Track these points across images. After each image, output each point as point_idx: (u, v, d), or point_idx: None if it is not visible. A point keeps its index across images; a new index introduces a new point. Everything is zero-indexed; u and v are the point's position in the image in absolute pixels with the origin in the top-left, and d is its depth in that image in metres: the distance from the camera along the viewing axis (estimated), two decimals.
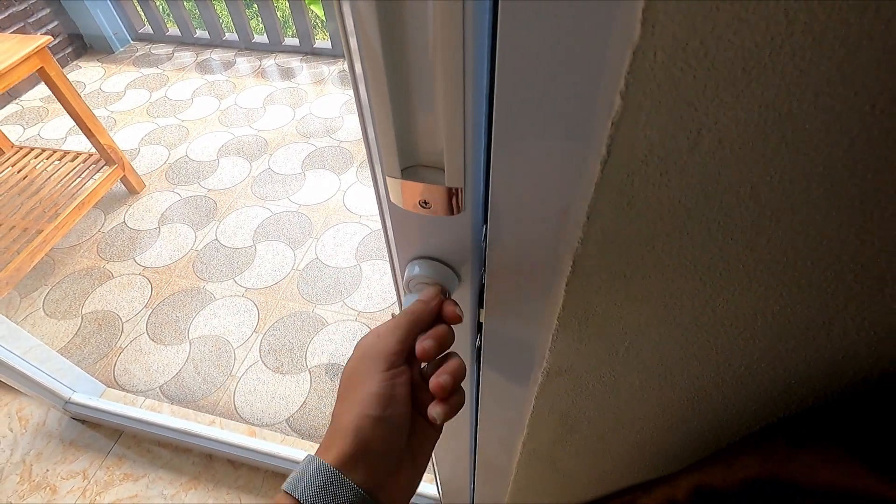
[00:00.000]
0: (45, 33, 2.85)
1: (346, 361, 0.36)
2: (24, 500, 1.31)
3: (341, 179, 2.21)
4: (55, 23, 2.93)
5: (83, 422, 1.45)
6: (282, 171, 2.26)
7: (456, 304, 0.36)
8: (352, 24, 0.23)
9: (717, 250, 0.26)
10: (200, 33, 3.15)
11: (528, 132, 0.24)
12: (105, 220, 2.06)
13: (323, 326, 1.66)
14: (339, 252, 1.90)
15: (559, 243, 0.30)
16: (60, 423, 1.45)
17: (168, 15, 3.28)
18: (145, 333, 1.67)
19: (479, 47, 0.22)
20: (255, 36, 3.09)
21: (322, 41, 3.06)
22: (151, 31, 3.21)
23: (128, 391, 1.52)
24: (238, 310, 1.72)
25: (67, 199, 1.82)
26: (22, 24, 2.74)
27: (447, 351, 0.36)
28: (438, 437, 0.36)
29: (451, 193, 0.29)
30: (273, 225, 2.02)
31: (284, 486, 0.30)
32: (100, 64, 3.07)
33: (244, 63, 3.02)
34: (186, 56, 3.10)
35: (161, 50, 3.17)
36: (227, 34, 3.11)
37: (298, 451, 1.32)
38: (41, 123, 2.61)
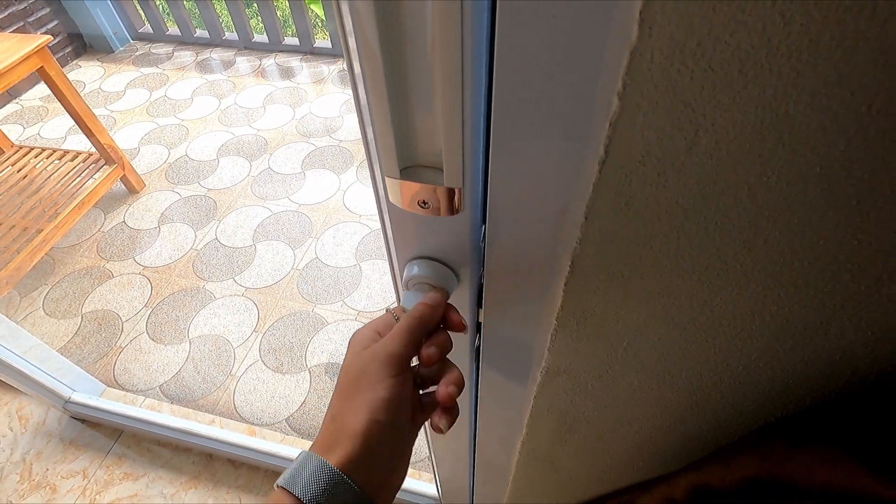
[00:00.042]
0: (45, 32, 2.85)
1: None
2: (24, 499, 1.32)
3: (341, 179, 2.21)
4: (55, 22, 2.93)
5: (83, 421, 1.45)
6: (282, 171, 2.26)
7: (458, 311, 0.37)
8: (350, 24, 0.24)
9: (715, 250, 0.26)
10: (200, 33, 3.15)
11: (527, 133, 0.24)
12: (105, 219, 2.06)
13: (323, 326, 1.66)
14: (338, 251, 1.90)
15: (557, 243, 0.30)
16: (60, 423, 1.45)
17: (168, 14, 3.28)
18: (145, 333, 1.67)
19: (477, 47, 0.22)
20: (255, 35, 3.08)
21: (322, 40, 3.06)
22: (151, 31, 3.21)
23: (128, 390, 1.52)
24: (238, 309, 1.72)
25: (67, 199, 1.82)
26: (21, 23, 2.74)
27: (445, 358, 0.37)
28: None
29: (450, 194, 0.29)
30: (273, 224, 2.02)
31: (281, 482, 0.29)
32: (100, 63, 3.06)
33: (244, 62, 3.02)
34: (186, 55, 3.10)
35: (161, 49, 3.17)
36: (226, 33, 3.11)
37: (298, 450, 1.31)
38: (41, 123, 2.61)
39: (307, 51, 3.05)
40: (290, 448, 1.32)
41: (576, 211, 0.27)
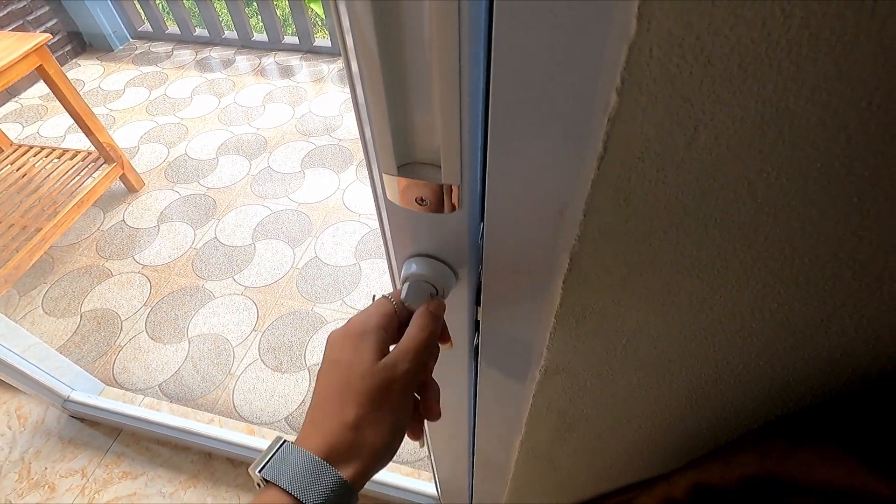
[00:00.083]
0: (44, 31, 2.85)
1: None
2: (23, 498, 1.31)
3: (340, 178, 2.20)
4: (54, 21, 2.92)
5: (82, 420, 1.45)
6: (281, 170, 2.26)
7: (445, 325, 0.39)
8: (348, 20, 0.23)
9: (715, 247, 0.26)
10: (200, 31, 3.15)
11: (525, 129, 0.24)
12: (104, 218, 2.06)
13: (322, 325, 1.66)
14: (338, 250, 1.90)
15: (556, 241, 0.29)
16: (59, 422, 1.45)
17: (167, 13, 3.27)
18: (144, 332, 1.66)
19: (474, 43, 0.22)
20: (255, 34, 3.08)
21: (322, 39, 3.05)
22: (151, 29, 3.20)
23: (127, 389, 1.52)
24: (237, 308, 1.72)
25: (66, 198, 1.82)
26: (21, 21, 2.73)
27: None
28: None
29: (448, 191, 0.29)
30: (272, 223, 2.01)
31: (287, 486, 0.28)
32: (99, 62, 3.06)
33: (244, 61, 3.01)
34: (186, 54, 3.10)
35: (160, 48, 3.17)
36: (226, 32, 3.10)
37: None
38: (40, 121, 2.60)
39: (307, 49, 3.04)
40: None
41: (574, 208, 0.27)
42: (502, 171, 0.27)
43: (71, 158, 1.97)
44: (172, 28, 3.18)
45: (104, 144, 1.91)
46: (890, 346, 0.27)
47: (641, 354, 0.35)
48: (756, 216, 0.23)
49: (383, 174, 0.30)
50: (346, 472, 0.29)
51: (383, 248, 0.41)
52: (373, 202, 0.36)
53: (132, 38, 3.25)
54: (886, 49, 0.16)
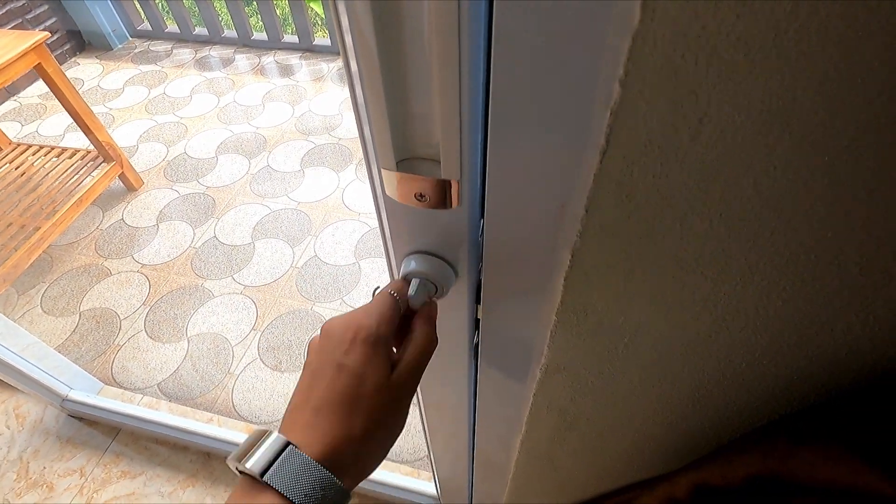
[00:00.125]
0: (43, 30, 2.83)
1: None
2: (21, 498, 1.31)
3: (340, 177, 2.20)
4: (53, 19, 2.92)
5: (80, 419, 1.44)
6: (280, 169, 2.25)
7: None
8: (345, 11, 0.23)
9: (719, 243, 0.25)
10: (199, 30, 3.14)
11: (526, 122, 0.24)
12: (103, 217, 2.05)
13: (321, 324, 1.66)
14: (337, 249, 1.89)
15: (558, 237, 0.29)
16: (58, 421, 1.44)
17: (167, 12, 3.27)
18: (143, 331, 1.66)
19: (474, 34, 0.22)
20: (255, 33, 3.07)
21: (321, 38, 3.05)
22: (150, 28, 3.20)
23: (125, 388, 1.52)
24: (236, 307, 1.72)
25: (65, 196, 1.82)
26: (20, 20, 2.73)
27: None
28: None
29: (448, 186, 0.29)
30: (272, 222, 2.01)
31: (288, 493, 0.26)
32: (98, 61, 3.05)
33: (243, 60, 3.01)
34: (185, 53, 3.09)
35: (160, 47, 3.16)
36: (226, 31, 3.10)
37: None
38: (39, 120, 2.60)
39: (306, 48, 3.04)
40: None
41: (576, 203, 0.26)
42: (503, 166, 0.27)
43: (70, 157, 1.96)
44: (172, 27, 3.18)
45: (103, 143, 1.91)
46: None
47: (643, 353, 0.35)
48: (761, 211, 0.23)
49: (382, 170, 0.30)
50: (346, 482, 0.29)
51: (382, 247, 0.41)
52: (372, 200, 0.36)
53: (131, 36, 3.25)
54: None
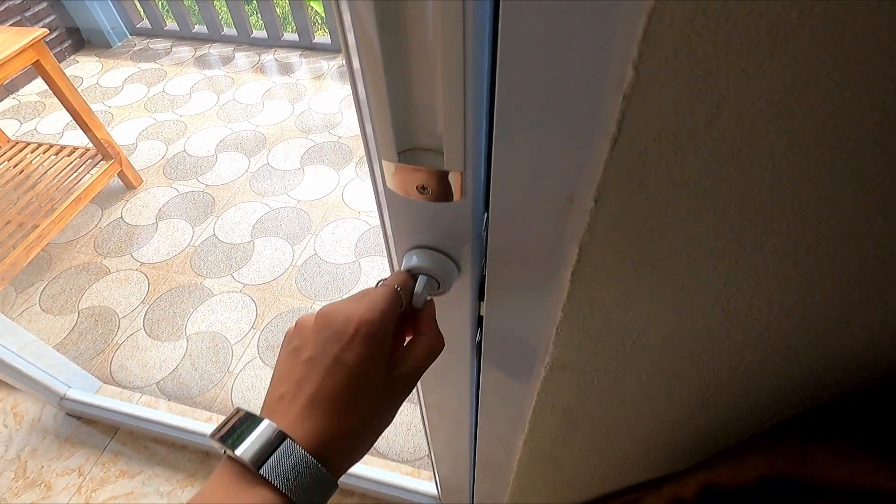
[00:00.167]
0: (42, 27, 2.82)
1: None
2: (19, 497, 1.30)
3: (340, 175, 2.19)
4: (52, 17, 2.90)
5: (79, 418, 1.43)
6: (280, 167, 2.24)
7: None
8: (347, 5, 0.22)
9: (734, 235, 0.24)
10: (199, 28, 3.13)
11: (533, 109, 0.23)
12: (102, 215, 2.04)
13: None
14: (337, 248, 1.88)
15: (565, 230, 0.28)
16: (56, 420, 1.43)
17: (166, 10, 3.26)
18: (142, 329, 1.65)
19: (479, 15, 0.21)
20: (254, 31, 3.06)
21: (321, 36, 3.03)
22: (149, 26, 3.18)
23: (124, 387, 1.51)
24: (236, 306, 1.71)
25: (64, 194, 1.81)
26: (18, 17, 2.72)
27: None
28: None
29: (451, 178, 0.28)
30: (271, 221, 2.00)
31: (279, 485, 0.26)
32: (97, 58, 3.04)
33: (243, 58, 3.00)
34: (185, 51, 3.08)
35: (159, 45, 3.15)
36: (225, 29, 3.09)
37: None
38: (38, 118, 2.59)
39: (306, 46, 3.02)
40: None
41: (584, 194, 0.25)
42: (508, 156, 0.26)
43: (69, 155, 1.95)
44: (171, 25, 3.17)
45: (102, 141, 1.90)
46: None
47: (652, 350, 0.34)
48: (779, 202, 0.22)
49: (383, 161, 0.29)
50: (335, 475, 0.29)
51: (383, 242, 0.40)
52: (373, 199, 0.35)
53: (131, 34, 3.23)
54: None
